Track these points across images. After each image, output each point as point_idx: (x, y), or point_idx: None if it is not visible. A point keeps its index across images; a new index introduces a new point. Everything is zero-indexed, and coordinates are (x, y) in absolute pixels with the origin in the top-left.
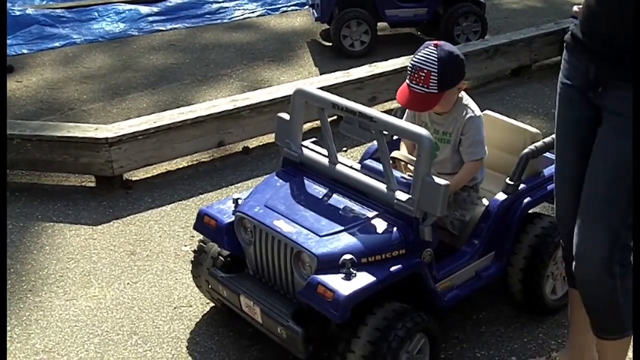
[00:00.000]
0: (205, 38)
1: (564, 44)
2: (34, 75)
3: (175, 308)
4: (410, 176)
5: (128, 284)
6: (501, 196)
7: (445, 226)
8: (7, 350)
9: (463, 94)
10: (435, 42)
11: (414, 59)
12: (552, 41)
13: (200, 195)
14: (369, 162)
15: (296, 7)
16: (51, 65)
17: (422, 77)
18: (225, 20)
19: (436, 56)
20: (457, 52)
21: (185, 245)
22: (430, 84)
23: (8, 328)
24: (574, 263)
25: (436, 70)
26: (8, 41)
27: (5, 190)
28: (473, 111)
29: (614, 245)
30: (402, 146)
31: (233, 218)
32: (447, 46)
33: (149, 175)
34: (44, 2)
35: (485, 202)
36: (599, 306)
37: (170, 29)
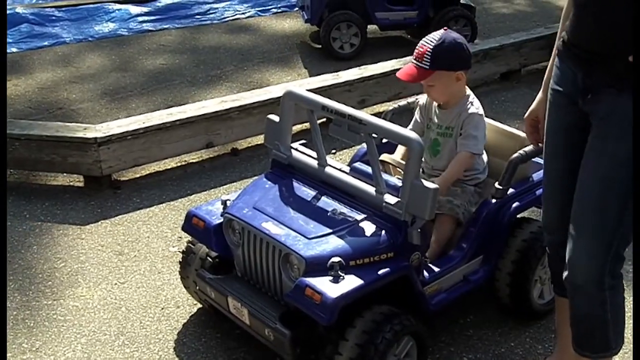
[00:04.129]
0: (195, 39)
1: (556, 51)
2: (23, 74)
3: (162, 309)
4: (400, 179)
5: (115, 284)
6: (490, 200)
7: (458, 216)
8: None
9: (469, 92)
10: (447, 28)
11: (423, 38)
12: (541, 46)
13: (189, 196)
14: (358, 164)
15: (286, 9)
16: (40, 64)
17: (420, 53)
18: (215, 22)
19: (439, 37)
20: (463, 42)
21: (173, 246)
22: (424, 59)
23: None
24: (565, 272)
25: (432, 48)
26: None
27: (5, 190)
28: (476, 108)
29: (606, 255)
30: (399, 149)
31: (221, 219)
32: (455, 34)
33: (138, 175)
34: (34, 1)
35: None
36: (587, 319)
37: (160, 30)
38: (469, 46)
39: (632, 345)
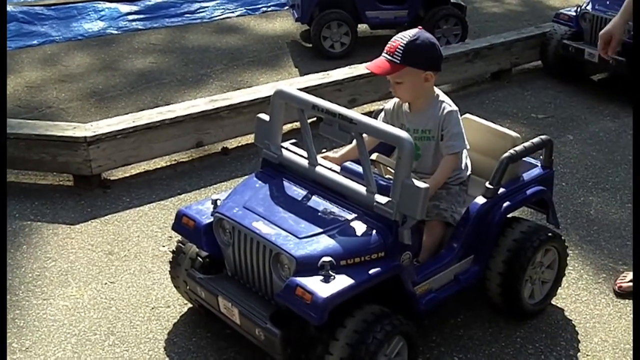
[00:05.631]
0: (184, 38)
1: None
2: (12, 73)
3: (152, 308)
4: (390, 179)
5: (106, 283)
6: (480, 200)
7: (447, 220)
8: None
9: (439, 91)
10: (421, 27)
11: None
12: (532, 45)
13: (179, 196)
14: (348, 164)
15: (276, 8)
16: (30, 63)
17: (392, 47)
18: (205, 20)
19: (413, 34)
20: (435, 42)
21: (164, 246)
22: (396, 53)
23: None
24: None
25: (404, 44)
26: None
27: (5, 190)
28: (450, 105)
29: None
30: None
31: (212, 219)
32: (428, 34)
33: (127, 174)
34: (23, 0)
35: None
36: None
37: (150, 28)
38: (441, 49)
39: (631, 345)
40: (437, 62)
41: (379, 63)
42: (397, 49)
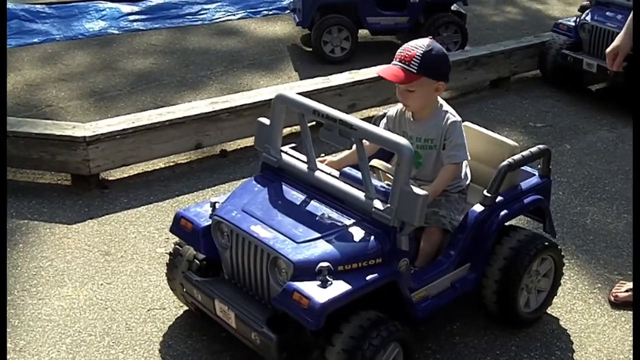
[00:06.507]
0: (185, 39)
1: None
2: (12, 70)
3: (148, 310)
4: (389, 185)
5: (102, 284)
6: (478, 208)
7: (445, 227)
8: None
9: (442, 101)
10: (432, 37)
11: (407, 43)
12: (531, 54)
13: (177, 197)
14: (347, 169)
15: (278, 11)
16: (30, 61)
17: (407, 56)
18: (206, 22)
19: (427, 43)
20: (446, 53)
21: (160, 248)
22: (412, 63)
23: None
24: None
25: (421, 53)
26: None
27: (5, 190)
28: (454, 116)
29: None
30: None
31: (210, 221)
32: (438, 44)
33: (126, 175)
34: None
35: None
36: None
37: (151, 29)
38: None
39: (631, 345)
40: (448, 72)
41: (394, 71)
42: (414, 59)
